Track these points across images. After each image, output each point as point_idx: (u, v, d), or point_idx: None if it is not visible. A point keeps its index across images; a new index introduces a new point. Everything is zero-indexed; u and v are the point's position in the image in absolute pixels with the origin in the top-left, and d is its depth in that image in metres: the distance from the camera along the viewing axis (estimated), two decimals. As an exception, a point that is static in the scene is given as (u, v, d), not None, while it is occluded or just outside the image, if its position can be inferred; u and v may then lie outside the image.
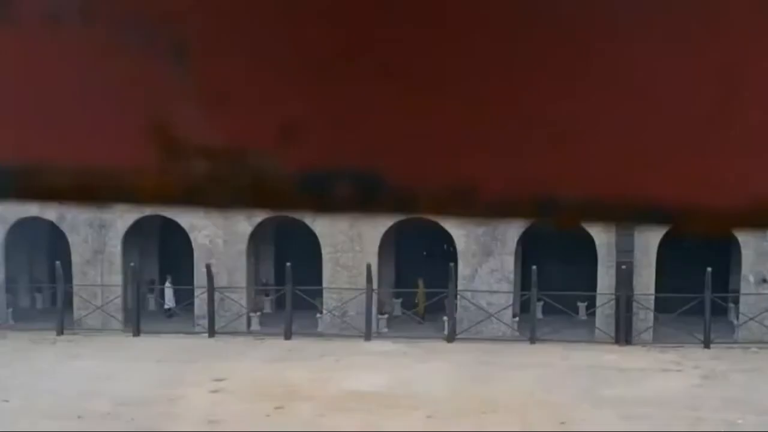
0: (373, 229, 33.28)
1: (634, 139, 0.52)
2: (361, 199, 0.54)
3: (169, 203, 0.56)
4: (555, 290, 32.69)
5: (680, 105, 0.53)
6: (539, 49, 0.52)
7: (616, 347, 31.23)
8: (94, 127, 0.55)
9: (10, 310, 36.05)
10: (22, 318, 36.11)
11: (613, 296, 32.26)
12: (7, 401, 24.37)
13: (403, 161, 0.53)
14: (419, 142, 0.53)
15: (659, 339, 31.84)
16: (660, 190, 0.53)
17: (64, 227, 35.42)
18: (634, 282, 32.27)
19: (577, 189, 0.52)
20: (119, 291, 35.31)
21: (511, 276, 33.46)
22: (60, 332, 33.89)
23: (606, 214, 0.53)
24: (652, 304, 32.37)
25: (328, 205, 0.55)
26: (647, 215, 0.53)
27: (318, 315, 34.21)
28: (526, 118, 0.52)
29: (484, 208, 0.53)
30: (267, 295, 37.06)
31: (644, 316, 32.37)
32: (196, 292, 34.73)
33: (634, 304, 32.14)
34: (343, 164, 0.54)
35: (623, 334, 31.92)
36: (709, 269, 30.94)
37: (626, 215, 0.53)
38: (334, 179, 0.54)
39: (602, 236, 31.68)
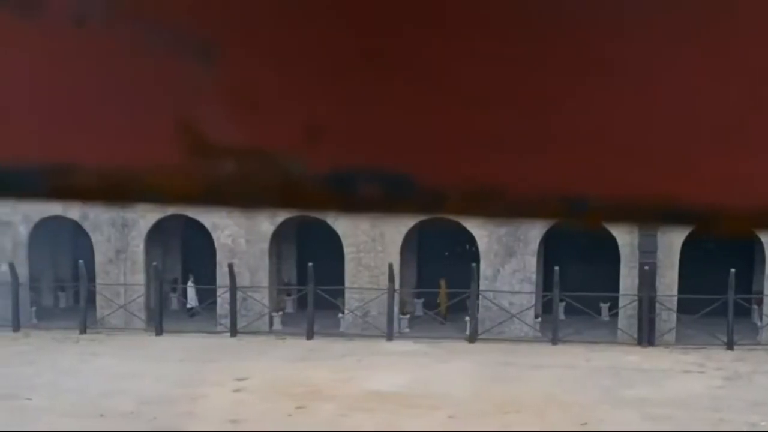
0: (395, 229, 33.26)
1: (661, 140, 0.52)
2: (388, 199, 0.54)
3: (195, 203, 0.56)
4: (577, 291, 32.61)
5: (707, 105, 0.52)
6: (568, 50, 0.51)
7: (638, 348, 31.12)
8: (122, 128, 0.55)
9: (34, 308, 36.18)
10: (45, 317, 36.24)
11: (636, 297, 32.14)
12: (30, 399, 24.47)
13: (430, 161, 0.53)
14: (446, 141, 0.52)
15: (682, 340, 31.72)
16: (686, 191, 0.53)
17: (87, 226, 35.53)
18: (657, 283, 32.13)
19: (604, 189, 0.52)
20: (142, 290, 35.39)
21: (534, 276, 33.38)
22: (83, 331, 34.01)
23: (632, 215, 0.53)
24: (674, 305, 32.23)
25: (354, 205, 0.55)
26: (673, 216, 0.53)
27: (340, 315, 34.21)
28: (554, 118, 0.52)
29: (511, 208, 0.53)
30: (289, 295, 37.07)
31: (667, 318, 32.24)
32: (219, 292, 34.79)
33: (657, 305, 32.02)
34: (370, 164, 0.54)
35: (646, 336, 31.80)
36: (733, 270, 30.79)
37: (652, 216, 0.53)
38: (360, 179, 0.54)
39: (625, 237, 31.58)
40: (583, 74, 0.51)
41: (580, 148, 0.52)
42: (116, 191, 0.56)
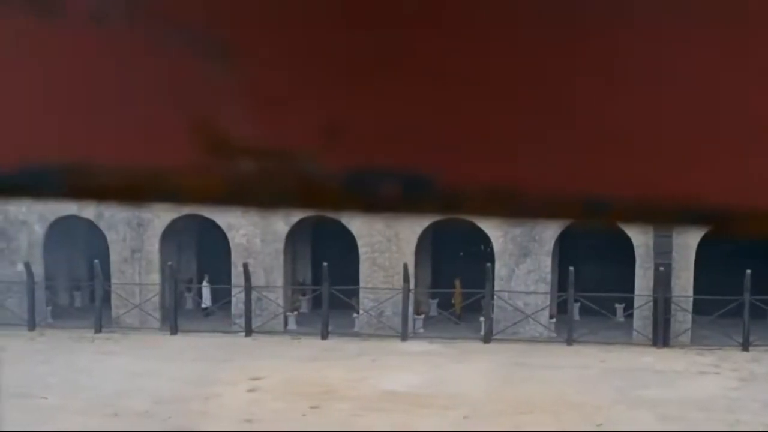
0: (410, 229, 33.25)
1: (680, 139, 0.52)
2: (407, 199, 0.54)
3: (214, 203, 0.56)
4: (592, 291, 32.54)
5: (727, 105, 0.52)
6: (587, 50, 0.51)
7: (653, 349, 31.05)
8: (140, 127, 0.55)
9: (49, 308, 36.27)
10: (61, 316, 36.34)
11: (651, 298, 32.07)
12: (45, 398, 24.53)
13: (449, 161, 0.53)
14: (465, 141, 0.52)
15: (697, 341, 31.63)
16: (705, 191, 0.52)
17: (103, 226, 35.62)
18: (672, 284, 32.06)
19: (622, 189, 0.52)
20: (157, 289, 35.45)
21: (548, 277, 33.33)
22: (98, 330, 34.09)
23: (651, 215, 0.53)
24: (690, 306, 32.15)
25: (373, 205, 0.55)
26: (692, 216, 0.53)
27: (354, 315, 34.21)
28: (572, 118, 0.52)
29: (529, 208, 0.53)
30: (304, 295, 37.07)
31: (682, 318, 32.16)
32: (234, 291, 34.83)
33: (672, 306, 31.94)
34: (389, 164, 0.53)
35: (661, 337, 31.72)
36: (749, 271, 30.69)
37: (671, 216, 0.52)
38: (379, 179, 0.54)
39: (640, 237, 31.52)
40: (601, 74, 0.51)
41: (599, 148, 0.52)
42: (135, 191, 0.56)
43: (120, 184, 0.56)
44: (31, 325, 34.38)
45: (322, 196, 0.55)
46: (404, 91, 0.53)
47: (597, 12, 0.51)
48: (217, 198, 0.56)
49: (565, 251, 34.18)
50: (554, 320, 33.37)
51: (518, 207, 0.53)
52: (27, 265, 34.85)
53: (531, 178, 0.53)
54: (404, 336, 32.84)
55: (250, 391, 25.63)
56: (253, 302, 34.29)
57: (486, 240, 33.39)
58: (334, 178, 0.54)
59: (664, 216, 0.53)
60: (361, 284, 34.34)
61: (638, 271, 32.63)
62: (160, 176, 0.55)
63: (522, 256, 33.29)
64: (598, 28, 0.51)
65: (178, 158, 0.55)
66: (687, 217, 0.52)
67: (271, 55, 0.54)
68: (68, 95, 0.55)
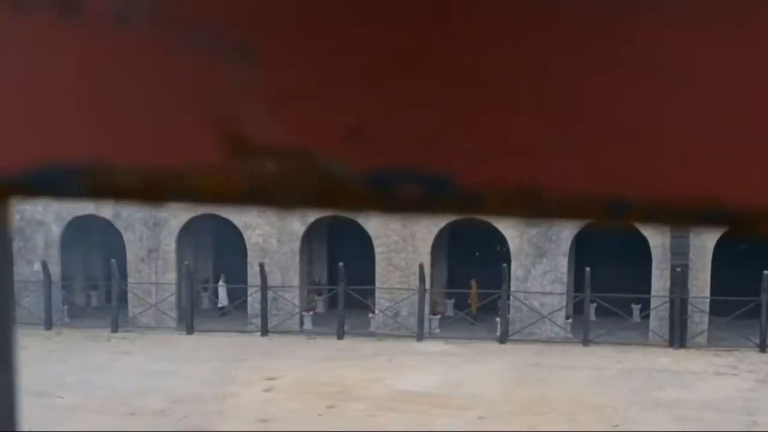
0: (426, 229, 33.24)
1: (701, 139, 0.52)
2: (428, 199, 0.54)
3: (235, 203, 0.56)
4: (608, 292, 32.48)
5: (748, 104, 0.52)
6: (607, 49, 0.51)
7: (670, 350, 30.97)
8: (162, 127, 0.55)
9: (66, 307, 36.37)
10: (78, 315, 36.42)
11: (668, 298, 31.99)
12: (62, 397, 24.60)
13: (470, 161, 0.53)
14: (486, 142, 0.52)
15: (714, 342, 31.54)
16: (725, 191, 0.52)
17: (119, 225, 35.70)
18: (689, 284, 31.97)
19: (643, 190, 0.52)
20: (173, 289, 35.52)
21: (565, 277, 33.28)
22: (114, 329, 34.18)
23: (671, 216, 0.53)
24: (707, 307, 32.05)
25: (394, 206, 0.55)
26: (712, 217, 0.53)
27: (370, 315, 34.21)
28: (593, 118, 0.52)
29: (550, 209, 0.53)
30: (319, 295, 37.09)
31: (699, 319, 32.07)
32: (249, 291, 34.87)
33: (689, 306, 31.85)
34: (410, 164, 0.54)
35: (677, 337, 31.64)
36: (766, 272, 30.59)
37: (691, 217, 0.52)
38: (400, 179, 0.54)
39: (657, 238, 31.45)
40: (622, 74, 0.51)
41: (619, 149, 0.52)
42: (156, 191, 0.56)
43: (141, 184, 0.56)
44: (48, 325, 34.48)
45: (343, 197, 0.55)
46: (425, 91, 0.53)
47: (620, 10, 0.51)
48: (238, 198, 0.56)
49: (581, 252, 34.13)
50: (570, 321, 33.31)
51: (539, 207, 0.53)
52: (44, 265, 34.97)
53: (552, 179, 0.53)
54: (420, 336, 32.83)
55: (265, 390, 25.66)
56: (269, 302, 34.31)
57: (502, 240, 33.35)
58: (356, 178, 0.54)
59: (683, 216, 0.52)
60: (377, 284, 34.34)
61: (655, 272, 32.56)
62: (181, 176, 0.55)
63: (538, 257, 33.25)
64: (621, 27, 0.51)
65: (200, 158, 0.55)
66: (706, 217, 0.52)
67: (294, 55, 0.54)
68: (90, 95, 0.56)
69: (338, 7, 0.53)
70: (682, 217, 0.52)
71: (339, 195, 0.55)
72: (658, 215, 0.52)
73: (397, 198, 0.54)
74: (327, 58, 0.54)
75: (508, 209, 0.53)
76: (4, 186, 0.58)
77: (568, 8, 0.51)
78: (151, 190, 0.57)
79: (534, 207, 0.53)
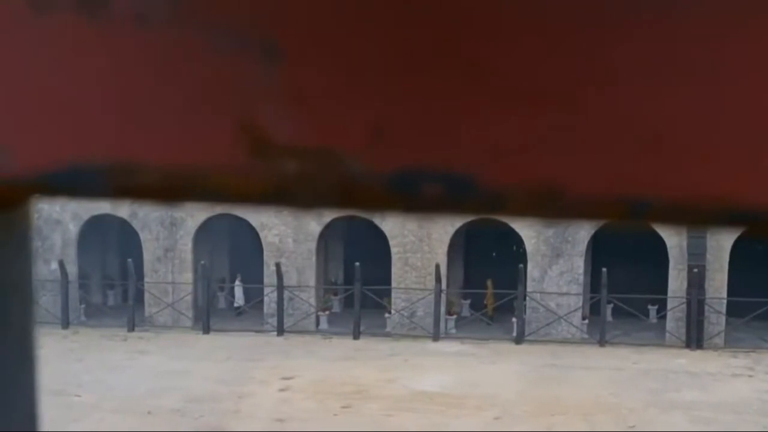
0: (443, 230, 33.24)
1: (723, 139, 0.51)
2: (450, 199, 0.54)
3: (257, 203, 0.56)
4: (625, 293, 32.42)
5: None
6: (629, 48, 0.51)
7: (686, 351, 30.89)
8: (184, 127, 0.55)
9: (83, 306, 36.48)
10: (94, 314, 36.52)
11: (684, 299, 31.91)
12: (78, 396, 24.66)
13: (492, 161, 0.53)
14: (508, 142, 0.52)
15: (731, 343, 31.45)
16: (748, 192, 0.52)
17: (136, 225, 35.78)
18: (706, 285, 31.88)
19: (665, 190, 0.52)
20: (190, 289, 35.59)
21: (581, 278, 33.23)
22: (131, 329, 34.25)
23: (693, 216, 0.52)
24: (723, 308, 31.95)
25: (416, 206, 0.55)
26: (734, 217, 0.52)
27: (386, 315, 34.22)
28: (615, 118, 0.52)
29: (571, 209, 0.53)
30: (335, 295, 37.10)
31: (716, 320, 31.98)
32: (266, 291, 34.90)
33: (706, 307, 31.76)
34: (433, 165, 0.54)
35: (694, 338, 31.56)
36: (783, 273, 30.53)
37: (713, 217, 0.52)
38: (423, 180, 0.54)
39: (673, 238, 31.38)
40: (645, 74, 0.51)
41: (641, 149, 0.52)
42: (179, 191, 0.56)
43: (164, 184, 0.56)
44: (65, 324, 34.58)
45: (364, 197, 0.55)
46: (448, 91, 0.53)
47: (643, 8, 0.51)
48: (260, 198, 0.56)
49: (597, 252, 34.07)
50: (586, 321, 33.25)
51: (560, 208, 0.53)
52: (61, 264, 35.08)
53: (574, 179, 0.53)
54: (436, 336, 32.83)
55: (281, 390, 25.68)
56: (285, 302, 34.35)
57: (519, 241, 33.33)
58: (378, 178, 0.54)
59: (705, 217, 0.52)
60: (393, 284, 34.34)
61: (671, 273, 32.48)
62: (204, 176, 0.56)
63: (554, 257, 33.21)
64: (645, 25, 0.51)
65: (222, 158, 0.55)
66: (728, 218, 0.52)
67: (316, 54, 0.54)
68: (113, 95, 0.56)
69: (361, 6, 0.53)
70: (703, 217, 0.52)
71: (360, 195, 0.55)
72: (680, 216, 0.52)
73: (419, 198, 0.54)
74: (349, 58, 0.54)
75: (530, 209, 0.53)
76: (26, 186, 0.58)
77: (591, 7, 0.51)
78: (174, 190, 0.57)
79: (555, 207, 0.53)
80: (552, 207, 0.53)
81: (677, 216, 0.52)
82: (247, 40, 0.54)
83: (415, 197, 0.54)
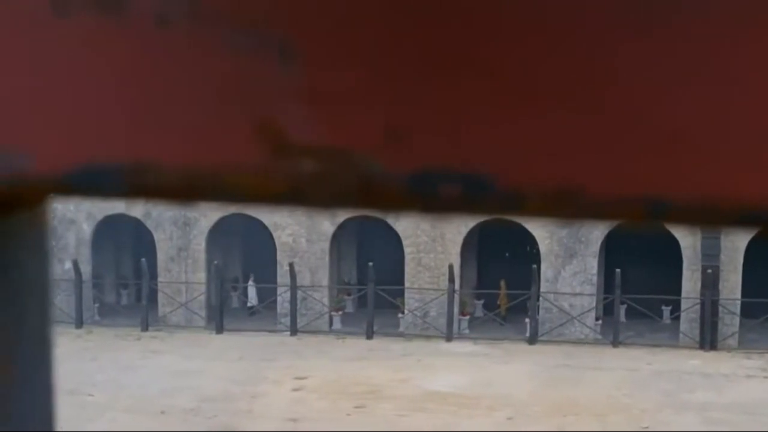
0: (456, 230, 33.24)
1: (744, 139, 0.51)
2: (468, 199, 0.54)
3: (274, 202, 0.56)
4: (638, 293, 32.38)
5: None
6: (649, 49, 0.51)
7: (700, 352, 30.83)
8: (202, 127, 0.55)
9: (96, 305, 36.57)
10: (108, 314, 36.59)
11: (698, 300, 31.84)
12: (92, 395, 24.72)
13: (511, 161, 0.53)
14: (526, 142, 0.53)
15: (745, 344, 31.38)
16: (765, 192, 0.51)
17: (150, 224, 35.84)
18: (720, 286, 31.81)
19: (684, 190, 0.51)
20: (203, 288, 35.64)
21: (594, 278, 33.18)
22: (144, 328, 34.32)
23: (712, 217, 0.52)
24: (738, 309, 31.88)
25: (434, 206, 0.55)
26: (753, 218, 0.51)
27: (399, 315, 34.22)
28: (634, 117, 0.51)
29: (589, 209, 0.53)
30: (349, 295, 37.11)
31: (730, 321, 31.90)
32: (279, 291, 34.93)
33: (720, 308, 31.69)
34: (450, 165, 0.53)
35: (708, 339, 31.49)
36: (798, 274, 30.45)
37: (734, 218, 0.51)
38: (440, 180, 0.54)
39: (687, 239, 31.31)
40: (663, 74, 0.51)
41: (660, 149, 0.51)
42: (196, 191, 0.56)
43: (181, 184, 0.56)
44: (79, 323, 34.65)
45: (382, 197, 0.55)
46: (466, 91, 0.53)
47: (662, 11, 0.51)
48: (278, 198, 0.56)
49: (611, 253, 34.01)
50: (600, 322, 33.21)
51: (579, 208, 0.53)
52: (75, 264, 35.17)
53: (592, 179, 0.52)
54: (449, 336, 32.83)
55: (294, 390, 25.71)
56: (298, 302, 34.37)
57: (532, 241, 33.30)
58: (395, 178, 0.54)
59: (724, 217, 0.51)
60: (407, 284, 34.34)
61: (685, 273, 32.42)
62: (221, 176, 0.56)
63: (568, 258, 33.17)
64: (663, 26, 0.51)
65: (240, 158, 0.55)
66: (747, 218, 0.51)
67: (334, 55, 0.54)
68: (132, 95, 0.56)
69: (378, 6, 0.53)
70: (720, 218, 0.52)
71: (378, 195, 0.55)
72: (697, 216, 0.52)
73: (437, 198, 0.54)
74: (367, 58, 0.54)
75: (548, 209, 0.53)
76: (45, 185, 0.58)
77: (611, 8, 0.51)
78: (192, 190, 0.57)
79: (573, 207, 0.53)
80: (570, 207, 0.53)
81: (695, 216, 0.52)
82: (264, 40, 0.54)
83: (432, 197, 0.54)
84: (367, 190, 0.55)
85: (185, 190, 0.57)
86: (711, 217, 0.52)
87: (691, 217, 0.52)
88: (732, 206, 0.51)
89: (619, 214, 0.53)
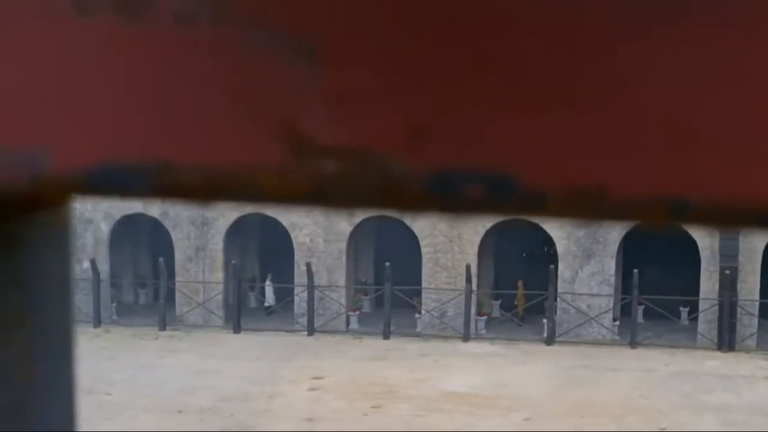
0: (473, 230, 33.22)
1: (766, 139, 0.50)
2: (490, 200, 0.53)
3: (296, 203, 0.56)
4: (656, 294, 32.31)
5: None
6: (671, 49, 0.50)
7: (718, 353, 30.75)
8: (224, 127, 0.55)
9: (114, 305, 36.65)
10: (126, 313, 36.68)
11: (716, 301, 31.75)
12: (110, 395, 24.79)
13: (534, 162, 0.53)
14: (549, 142, 0.52)
15: (763, 345, 31.27)
16: None
17: (167, 224, 35.93)
18: (738, 287, 31.71)
19: (708, 191, 0.51)
20: (220, 288, 35.70)
21: (612, 279, 33.13)
22: (162, 328, 34.39)
23: (735, 218, 0.51)
24: (756, 310, 31.79)
25: (456, 206, 0.54)
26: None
27: (416, 315, 34.22)
28: (658, 118, 0.51)
29: (611, 209, 0.52)
30: (366, 295, 37.12)
31: (748, 322, 31.81)
32: (296, 291, 34.98)
33: (738, 309, 31.60)
34: (473, 165, 0.53)
35: (726, 340, 31.40)
36: (816, 275, 30.34)
37: (756, 219, 0.50)
38: (462, 180, 0.53)
39: (705, 240, 31.23)
40: (686, 74, 0.51)
41: (683, 149, 0.51)
42: (218, 190, 0.56)
43: (203, 184, 0.56)
44: (97, 323, 34.75)
45: (404, 197, 0.54)
46: (489, 91, 0.53)
47: (684, 9, 0.50)
48: (299, 198, 0.56)
49: (628, 253, 33.95)
50: (617, 323, 33.14)
51: (601, 208, 0.53)
52: (93, 263, 35.26)
53: (615, 179, 0.52)
54: (466, 337, 32.81)
55: (311, 390, 25.74)
56: (315, 301, 34.41)
57: (549, 242, 33.26)
58: (418, 178, 0.54)
59: (746, 218, 0.51)
60: (424, 284, 34.35)
61: (703, 274, 32.33)
62: (244, 176, 0.56)
63: (585, 258, 33.12)
64: (685, 25, 0.50)
65: (262, 158, 0.55)
66: (766, 219, 0.50)
67: (357, 55, 0.54)
68: (154, 95, 0.56)
69: (400, 6, 0.53)
70: (743, 218, 0.51)
71: (400, 195, 0.54)
72: (720, 217, 0.51)
73: (459, 198, 0.54)
74: (389, 58, 0.53)
75: (571, 210, 0.53)
76: (66, 185, 0.58)
77: (633, 9, 0.51)
78: (213, 190, 0.56)
79: (596, 208, 0.52)
80: (592, 207, 0.53)
81: (715, 217, 0.51)
82: (287, 40, 0.54)
83: (455, 197, 0.54)
84: (389, 190, 0.54)
85: (206, 190, 0.57)
86: (731, 218, 0.51)
87: (711, 218, 0.52)
88: (752, 207, 0.50)
89: (641, 215, 0.53)
